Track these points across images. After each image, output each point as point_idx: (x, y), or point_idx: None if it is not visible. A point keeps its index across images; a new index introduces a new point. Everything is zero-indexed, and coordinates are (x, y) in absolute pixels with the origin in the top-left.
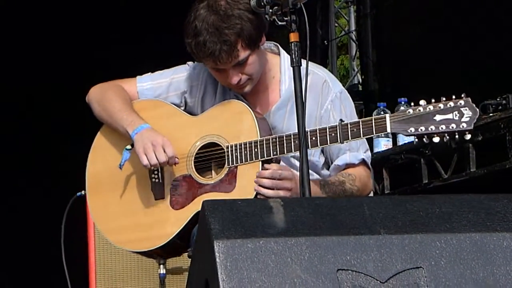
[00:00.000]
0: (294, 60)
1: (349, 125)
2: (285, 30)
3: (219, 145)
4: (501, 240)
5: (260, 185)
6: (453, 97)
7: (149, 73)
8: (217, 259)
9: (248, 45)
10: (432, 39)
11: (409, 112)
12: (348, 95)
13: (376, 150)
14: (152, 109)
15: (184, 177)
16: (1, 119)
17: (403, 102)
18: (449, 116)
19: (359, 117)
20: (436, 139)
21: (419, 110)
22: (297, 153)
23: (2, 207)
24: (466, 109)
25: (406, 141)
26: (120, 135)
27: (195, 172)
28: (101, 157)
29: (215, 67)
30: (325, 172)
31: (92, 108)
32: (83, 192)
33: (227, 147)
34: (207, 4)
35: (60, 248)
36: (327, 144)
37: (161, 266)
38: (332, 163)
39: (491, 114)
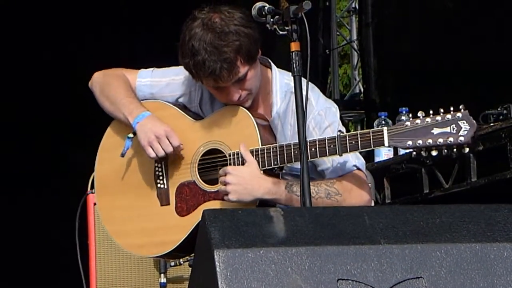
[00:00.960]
0: (295, 69)
1: (347, 137)
2: (286, 39)
3: (222, 152)
4: (501, 250)
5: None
6: (451, 109)
7: (152, 69)
8: (217, 269)
9: (247, 60)
10: (433, 49)
11: (406, 125)
12: (336, 113)
13: (377, 159)
14: (157, 111)
15: (188, 183)
16: (4, 120)
17: (404, 112)
18: (447, 129)
19: (360, 127)
20: (434, 153)
21: (417, 123)
22: (297, 164)
23: (4, 206)
24: (463, 123)
25: (407, 151)
26: (126, 132)
27: (199, 179)
28: (109, 157)
29: (216, 85)
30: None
31: (94, 93)
32: (93, 190)
33: (229, 155)
34: (202, 22)
35: (63, 247)
36: (326, 155)
37: (162, 275)
38: (317, 166)
39: (492, 124)
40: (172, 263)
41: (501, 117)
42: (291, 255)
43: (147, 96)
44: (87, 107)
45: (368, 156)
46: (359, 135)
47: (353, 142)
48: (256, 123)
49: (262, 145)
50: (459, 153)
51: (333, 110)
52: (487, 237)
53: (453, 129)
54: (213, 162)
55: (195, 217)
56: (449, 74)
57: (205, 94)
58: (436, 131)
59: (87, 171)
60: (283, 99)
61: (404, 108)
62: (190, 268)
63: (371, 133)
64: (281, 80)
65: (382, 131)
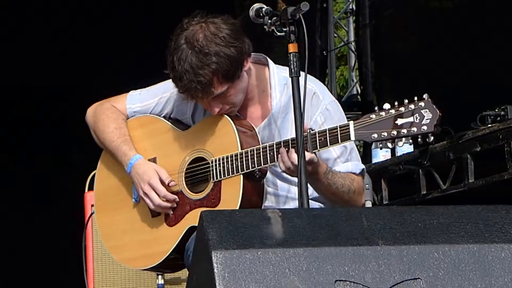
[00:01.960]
0: (293, 71)
1: (317, 134)
2: (284, 40)
3: (206, 160)
4: (499, 251)
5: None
6: (415, 98)
7: (140, 91)
8: (215, 270)
9: (225, 80)
10: (430, 50)
11: (371, 117)
12: (339, 106)
13: (374, 160)
14: (145, 126)
15: (176, 193)
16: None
17: None
18: (410, 119)
19: None
20: (400, 143)
21: (381, 115)
22: (275, 164)
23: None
24: (426, 111)
25: (404, 152)
26: None
27: (186, 188)
28: (106, 176)
29: (192, 101)
30: None
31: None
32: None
33: (212, 161)
34: (185, 37)
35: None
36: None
37: (159, 276)
38: None
39: (489, 125)
40: None
41: (498, 118)
42: (289, 256)
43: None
44: (86, 106)
45: (366, 157)
46: (327, 131)
47: (322, 138)
48: (237, 129)
49: (241, 150)
50: (424, 141)
51: (337, 103)
52: (485, 238)
53: (416, 118)
54: (198, 170)
55: (183, 226)
56: (447, 75)
57: (198, 104)
58: (400, 121)
59: (86, 171)
60: (282, 91)
61: None
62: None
63: (338, 128)
64: (278, 74)
65: (349, 125)
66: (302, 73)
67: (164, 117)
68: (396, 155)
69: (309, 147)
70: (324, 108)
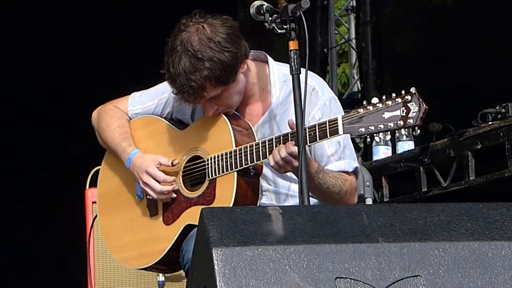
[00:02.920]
0: (293, 68)
1: (307, 129)
2: (285, 38)
3: (202, 158)
4: (499, 248)
5: (278, 154)
6: (403, 92)
7: (141, 93)
8: (216, 267)
9: (219, 84)
10: (431, 47)
11: (359, 111)
12: (338, 102)
13: (375, 158)
14: (147, 126)
15: (174, 192)
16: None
17: None
18: (397, 113)
19: None
20: (388, 137)
21: (368, 109)
22: (266, 160)
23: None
24: (412, 104)
25: (405, 149)
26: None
27: (183, 186)
28: (108, 177)
29: (185, 103)
30: None
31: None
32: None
33: (208, 159)
34: (181, 40)
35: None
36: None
37: (160, 274)
38: None
39: (490, 123)
40: None
41: (499, 116)
42: (289, 253)
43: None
44: (86, 100)
45: (366, 155)
46: (317, 126)
47: (312, 134)
48: (232, 127)
49: (235, 147)
50: (410, 134)
51: (336, 99)
52: (485, 235)
53: (403, 111)
54: (194, 169)
55: (179, 224)
56: (447, 72)
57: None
58: (387, 115)
59: (87, 168)
60: (282, 88)
61: None
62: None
63: (327, 123)
64: (278, 71)
65: (337, 120)
66: (303, 70)
67: (165, 117)
68: (397, 153)
69: (300, 142)
70: (322, 104)
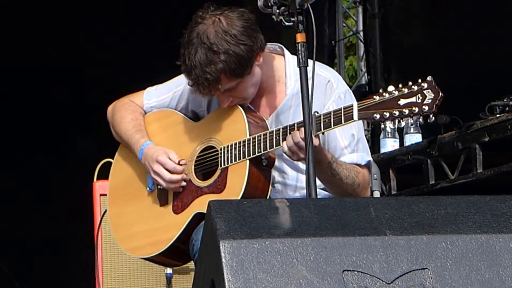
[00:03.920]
0: (301, 60)
1: (322, 116)
2: (292, 30)
3: (215, 148)
4: (507, 241)
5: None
6: (419, 80)
7: (156, 87)
8: (223, 259)
9: (234, 76)
10: (439, 40)
11: (374, 98)
12: (353, 95)
13: (383, 150)
14: (161, 120)
15: (185, 182)
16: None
17: None
18: (412, 99)
19: None
20: (402, 123)
21: (384, 96)
22: (280, 148)
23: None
24: (428, 91)
25: (413, 142)
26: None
27: (194, 176)
28: (120, 170)
29: (200, 94)
30: None
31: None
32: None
33: (221, 149)
34: (197, 32)
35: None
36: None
37: (168, 269)
38: None
39: (498, 115)
40: None
41: (507, 108)
42: (297, 246)
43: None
44: (96, 93)
45: (374, 147)
46: (332, 113)
47: (326, 120)
48: (247, 118)
49: (249, 136)
50: (425, 121)
51: (351, 93)
52: (493, 228)
53: (419, 98)
54: (207, 158)
55: (189, 213)
56: (455, 65)
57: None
58: (402, 101)
59: (95, 160)
60: (297, 80)
61: None
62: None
63: (342, 109)
64: (294, 63)
65: (352, 106)
66: (311, 63)
67: (180, 110)
68: (405, 145)
69: (313, 129)
70: (337, 97)
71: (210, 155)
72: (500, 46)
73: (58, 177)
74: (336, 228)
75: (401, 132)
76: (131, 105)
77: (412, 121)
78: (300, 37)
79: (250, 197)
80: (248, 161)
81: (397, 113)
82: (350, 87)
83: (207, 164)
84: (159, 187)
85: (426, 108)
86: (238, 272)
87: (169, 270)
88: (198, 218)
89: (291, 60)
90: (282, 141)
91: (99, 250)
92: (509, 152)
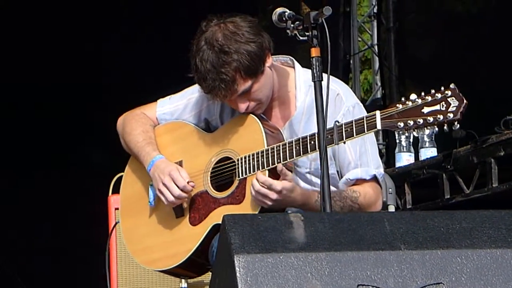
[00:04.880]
0: (315, 75)
1: (343, 126)
2: (307, 44)
3: (232, 159)
4: None
5: (252, 187)
6: (442, 88)
7: (169, 97)
8: (238, 274)
9: (249, 76)
10: (454, 54)
11: (398, 107)
12: (362, 108)
13: (398, 164)
14: (173, 131)
15: (201, 193)
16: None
17: None
18: (437, 107)
19: (382, 132)
20: (427, 131)
21: (407, 104)
22: (299, 158)
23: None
24: (452, 99)
25: (428, 156)
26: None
27: (211, 187)
28: (131, 182)
29: (218, 100)
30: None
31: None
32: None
33: (238, 160)
34: (205, 38)
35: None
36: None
37: (183, 280)
38: (341, 176)
39: None
40: None
41: None
42: (311, 260)
43: (169, 121)
44: (112, 107)
45: (389, 161)
46: (353, 122)
47: (348, 129)
48: (264, 128)
49: (267, 147)
50: (450, 129)
51: (361, 105)
52: (508, 243)
53: (443, 106)
54: (223, 169)
55: (207, 224)
56: (470, 79)
57: (226, 104)
58: (426, 110)
59: (110, 174)
60: (307, 92)
61: None
62: (210, 273)
63: (364, 119)
64: (304, 76)
65: (375, 115)
66: (326, 77)
67: (193, 118)
68: (420, 159)
69: (335, 138)
70: (346, 110)
71: (226, 166)
72: None
73: (74, 191)
74: (350, 243)
75: (416, 146)
76: (142, 117)
77: (427, 135)
78: (314, 52)
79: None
80: (267, 171)
81: (421, 121)
82: (365, 101)
83: (224, 175)
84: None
85: (451, 115)
86: (253, 286)
87: (184, 284)
88: (216, 230)
89: (301, 72)
90: (303, 151)
91: (113, 262)
92: None
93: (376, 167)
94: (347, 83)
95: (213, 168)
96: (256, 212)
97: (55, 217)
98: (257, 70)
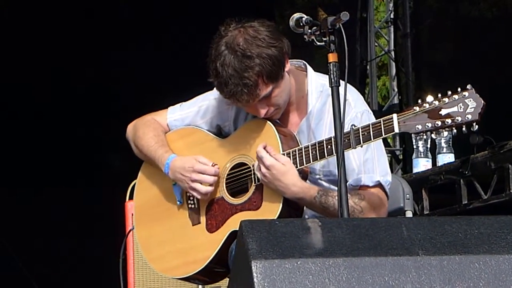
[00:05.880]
0: (332, 80)
1: (360, 130)
2: (324, 50)
3: (247, 164)
4: None
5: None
6: (459, 89)
7: (179, 104)
8: (255, 280)
9: (270, 80)
10: (471, 59)
11: (415, 109)
12: (372, 116)
13: (415, 170)
14: (186, 137)
15: (217, 199)
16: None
17: None
18: (454, 109)
19: (399, 137)
20: (445, 133)
21: (425, 107)
22: (315, 163)
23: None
24: (470, 100)
25: (445, 162)
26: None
27: (227, 194)
28: (145, 189)
29: (238, 105)
30: None
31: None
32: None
33: (253, 165)
34: (226, 42)
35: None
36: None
37: (200, 286)
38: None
39: None
40: None
41: None
42: (329, 266)
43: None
44: (130, 113)
45: (406, 167)
46: (370, 126)
47: (365, 133)
48: (278, 133)
49: (282, 152)
50: (468, 131)
51: (370, 113)
52: None
53: (461, 107)
54: (239, 175)
55: (224, 231)
56: (488, 84)
57: (240, 109)
58: (444, 111)
59: (127, 180)
60: (318, 98)
61: None
62: (228, 279)
63: (382, 122)
64: (316, 81)
65: (392, 118)
66: (343, 83)
67: (205, 125)
68: (437, 165)
69: (352, 142)
70: (354, 116)
71: (242, 172)
72: None
73: (91, 196)
74: (368, 248)
75: (433, 152)
76: (153, 123)
77: (445, 140)
78: (331, 57)
79: (287, 213)
80: None
81: (439, 123)
82: (383, 106)
83: (240, 181)
84: (190, 206)
85: (470, 116)
86: None
87: None
88: (233, 236)
89: (313, 77)
90: (320, 156)
91: (131, 271)
92: None
93: (382, 174)
94: (364, 89)
95: (228, 174)
96: (274, 218)
97: (73, 224)
98: (278, 75)
